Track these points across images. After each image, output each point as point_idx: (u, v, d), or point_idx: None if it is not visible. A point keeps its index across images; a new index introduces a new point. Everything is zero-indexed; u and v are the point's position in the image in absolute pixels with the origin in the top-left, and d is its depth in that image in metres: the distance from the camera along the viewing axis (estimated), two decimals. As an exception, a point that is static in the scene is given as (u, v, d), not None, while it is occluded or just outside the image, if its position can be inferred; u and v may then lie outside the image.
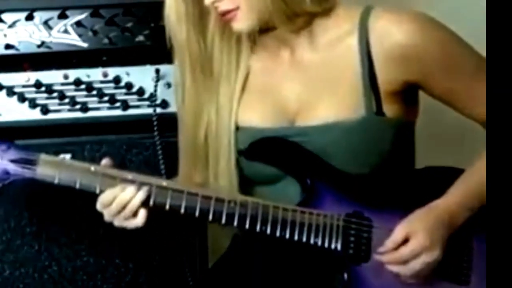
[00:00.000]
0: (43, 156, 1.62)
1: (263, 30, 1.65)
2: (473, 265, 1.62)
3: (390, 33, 1.60)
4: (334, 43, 1.66)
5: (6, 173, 1.61)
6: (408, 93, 1.65)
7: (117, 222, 1.60)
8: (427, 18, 1.63)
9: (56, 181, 1.60)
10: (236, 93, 1.71)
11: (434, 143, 2.17)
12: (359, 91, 1.63)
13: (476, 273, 1.61)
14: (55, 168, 1.61)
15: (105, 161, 1.65)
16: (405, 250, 1.53)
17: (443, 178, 1.65)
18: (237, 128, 1.70)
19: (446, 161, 1.69)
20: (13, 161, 1.61)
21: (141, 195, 1.58)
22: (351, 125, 1.62)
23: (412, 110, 1.70)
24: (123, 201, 1.58)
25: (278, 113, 1.69)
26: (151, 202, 1.57)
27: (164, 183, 1.61)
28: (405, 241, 1.54)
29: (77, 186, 1.60)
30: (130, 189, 1.58)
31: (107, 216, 1.60)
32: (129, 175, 1.60)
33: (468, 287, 1.61)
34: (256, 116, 1.70)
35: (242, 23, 1.60)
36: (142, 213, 1.58)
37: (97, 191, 1.60)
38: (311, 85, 1.67)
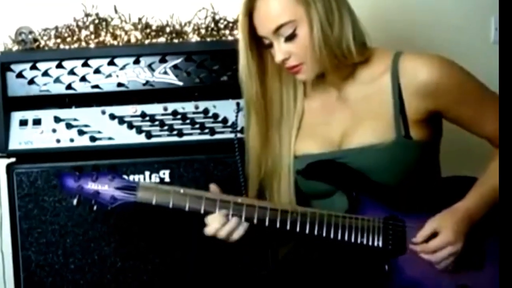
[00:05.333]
0: (142, 183, 1.76)
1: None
2: (486, 252, 1.74)
3: (416, 73, 1.75)
4: (371, 81, 1.81)
5: (113, 198, 1.75)
6: (431, 119, 1.79)
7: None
8: (445, 60, 1.77)
9: (153, 202, 1.74)
10: (294, 130, 1.88)
11: (459, 158, 2.27)
12: (391, 119, 1.78)
13: (489, 258, 1.74)
14: (152, 192, 1.74)
15: (213, 187, 1.79)
16: (434, 243, 1.71)
17: (460, 186, 1.78)
18: (295, 157, 1.87)
19: (468, 173, 1.83)
20: (118, 188, 1.75)
21: (237, 224, 1.75)
22: (383, 147, 1.77)
23: (435, 132, 1.83)
24: (227, 231, 1.75)
25: (328, 140, 1.85)
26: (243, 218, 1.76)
27: (240, 199, 1.76)
28: (434, 235, 1.70)
29: (170, 206, 1.74)
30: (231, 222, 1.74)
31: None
32: (226, 197, 1.76)
33: (482, 271, 1.74)
34: (310, 145, 1.86)
35: (306, 75, 1.79)
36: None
37: (187, 209, 1.73)
38: (353, 116, 1.82)
